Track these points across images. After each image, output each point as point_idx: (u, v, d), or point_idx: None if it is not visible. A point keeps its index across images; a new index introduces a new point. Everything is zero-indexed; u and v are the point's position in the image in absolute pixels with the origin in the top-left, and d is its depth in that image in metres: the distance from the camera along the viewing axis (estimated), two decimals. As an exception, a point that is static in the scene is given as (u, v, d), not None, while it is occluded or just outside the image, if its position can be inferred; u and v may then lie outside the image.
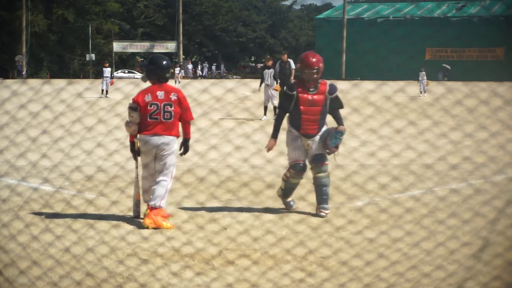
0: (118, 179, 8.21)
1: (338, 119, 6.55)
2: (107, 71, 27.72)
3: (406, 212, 6.41)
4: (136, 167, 6.39)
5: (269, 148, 6.55)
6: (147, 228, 5.89)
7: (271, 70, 17.32)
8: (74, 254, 5.09)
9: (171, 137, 6.06)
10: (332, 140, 6.39)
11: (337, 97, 6.51)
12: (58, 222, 6.09)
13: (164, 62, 6.20)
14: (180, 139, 6.23)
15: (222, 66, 69.45)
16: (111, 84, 27.33)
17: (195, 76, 62.54)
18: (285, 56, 19.69)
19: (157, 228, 5.88)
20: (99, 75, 27.87)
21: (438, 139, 11.50)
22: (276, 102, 17.01)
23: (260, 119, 16.76)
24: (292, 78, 19.18)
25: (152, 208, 6.00)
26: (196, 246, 5.34)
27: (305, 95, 6.39)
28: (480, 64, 51.66)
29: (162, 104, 6.02)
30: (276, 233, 5.69)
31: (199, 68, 67.14)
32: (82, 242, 5.42)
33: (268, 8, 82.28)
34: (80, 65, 61.96)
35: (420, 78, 29.60)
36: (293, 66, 19.34)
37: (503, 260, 4.95)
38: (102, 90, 27.24)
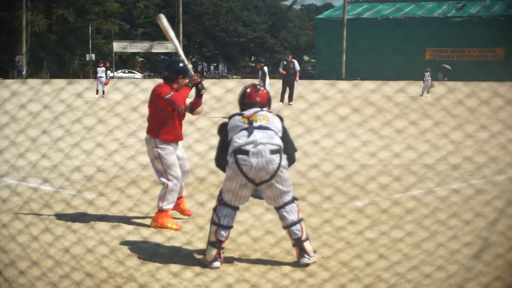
0: (117, 179, 8.20)
1: None
2: (100, 71, 27.67)
3: (406, 212, 6.39)
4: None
5: None
6: (155, 228, 5.90)
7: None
8: (74, 254, 5.07)
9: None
10: None
11: None
12: (57, 222, 6.08)
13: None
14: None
15: (221, 66, 69.35)
16: (105, 84, 27.30)
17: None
18: (290, 56, 19.73)
19: (156, 228, 5.88)
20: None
21: (439, 139, 11.48)
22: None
23: None
24: (297, 78, 19.19)
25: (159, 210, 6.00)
26: (196, 246, 5.32)
27: None
28: (480, 64, 51.60)
29: None
30: (276, 233, 5.67)
31: (214, 68, 67.26)
32: (81, 243, 5.41)
33: (268, 8, 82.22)
34: (80, 65, 61.92)
35: (424, 79, 29.45)
36: (298, 67, 19.37)
37: (504, 260, 4.94)
38: (97, 91, 27.26)
